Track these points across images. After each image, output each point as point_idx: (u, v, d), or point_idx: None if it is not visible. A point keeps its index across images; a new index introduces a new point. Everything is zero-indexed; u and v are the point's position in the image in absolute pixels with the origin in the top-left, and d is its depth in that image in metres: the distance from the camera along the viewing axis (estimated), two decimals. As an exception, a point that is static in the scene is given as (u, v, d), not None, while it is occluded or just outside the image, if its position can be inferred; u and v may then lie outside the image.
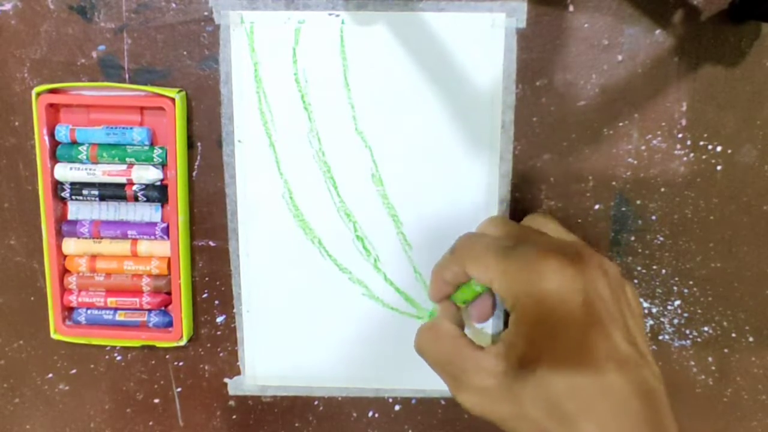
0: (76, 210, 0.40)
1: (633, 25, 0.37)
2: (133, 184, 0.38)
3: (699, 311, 0.41)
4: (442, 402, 0.42)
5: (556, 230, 0.33)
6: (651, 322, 0.41)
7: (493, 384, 0.29)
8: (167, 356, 0.42)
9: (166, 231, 0.39)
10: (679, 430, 0.28)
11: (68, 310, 0.40)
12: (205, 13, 0.37)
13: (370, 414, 0.42)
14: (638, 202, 0.39)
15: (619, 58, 0.37)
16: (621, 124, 0.38)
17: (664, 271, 0.40)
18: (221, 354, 0.42)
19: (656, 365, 0.29)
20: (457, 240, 0.33)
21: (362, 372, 0.41)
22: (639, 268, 0.40)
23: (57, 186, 0.39)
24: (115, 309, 0.40)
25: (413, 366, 0.41)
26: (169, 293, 0.40)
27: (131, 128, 0.38)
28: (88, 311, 0.40)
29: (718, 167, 0.39)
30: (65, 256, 0.40)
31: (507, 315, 0.40)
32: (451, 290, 0.34)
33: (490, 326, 0.40)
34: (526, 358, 0.28)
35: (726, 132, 0.38)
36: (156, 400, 0.43)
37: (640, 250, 0.40)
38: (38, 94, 0.37)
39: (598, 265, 0.29)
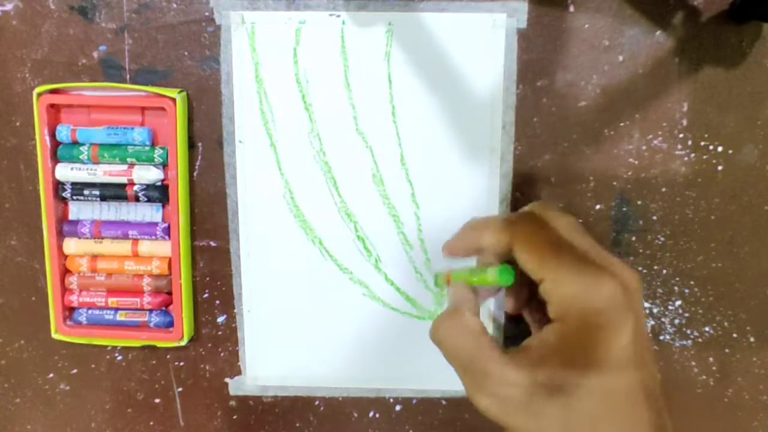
0: (77, 210, 0.40)
1: (634, 25, 0.37)
2: (134, 184, 0.38)
3: (700, 311, 0.41)
4: (443, 402, 0.42)
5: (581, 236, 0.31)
6: (652, 323, 0.41)
7: (515, 395, 0.27)
8: (168, 356, 0.42)
9: (167, 231, 0.39)
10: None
11: (69, 310, 0.41)
12: (206, 14, 0.37)
13: (371, 414, 0.42)
14: (639, 202, 0.39)
15: (620, 58, 0.37)
16: (622, 124, 0.38)
17: (665, 271, 0.40)
18: (222, 354, 0.42)
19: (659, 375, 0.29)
20: (518, 214, 0.30)
21: (363, 372, 0.41)
22: (640, 269, 0.40)
23: (58, 186, 0.39)
24: (116, 309, 0.40)
25: (414, 366, 0.41)
26: (169, 293, 0.40)
27: (132, 128, 0.38)
28: (89, 311, 0.40)
29: (719, 167, 0.39)
30: (66, 256, 0.40)
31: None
32: (473, 254, 0.31)
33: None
34: (562, 374, 0.27)
35: (727, 132, 0.38)
36: (157, 400, 0.43)
37: (641, 251, 0.40)
38: (39, 95, 0.37)
39: (640, 285, 0.28)
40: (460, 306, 0.31)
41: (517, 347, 0.29)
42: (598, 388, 0.26)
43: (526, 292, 0.32)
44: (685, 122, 0.38)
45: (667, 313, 0.41)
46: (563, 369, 0.27)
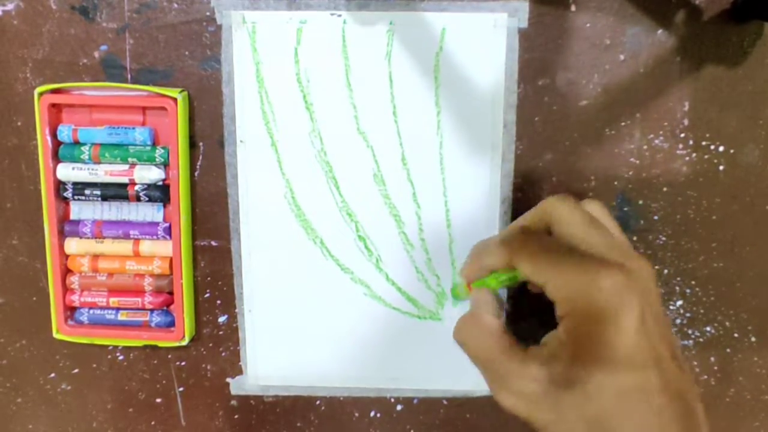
0: (78, 210, 0.40)
1: (635, 24, 0.37)
2: (135, 184, 0.38)
3: (701, 311, 0.41)
4: (444, 402, 0.42)
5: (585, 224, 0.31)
6: (653, 322, 0.41)
7: (535, 390, 0.28)
8: (169, 356, 0.42)
9: (168, 231, 0.39)
10: None
11: (71, 310, 0.41)
12: (207, 14, 0.37)
13: (372, 414, 0.42)
14: (640, 202, 0.39)
15: (621, 57, 0.37)
16: (623, 123, 0.38)
17: (666, 271, 0.40)
18: (223, 354, 0.42)
19: (691, 375, 0.29)
20: (509, 229, 0.32)
21: (364, 372, 0.41)
22: (641, 268, 0.40)
23: (59, 186, 0.39)
24: (117, 309, 0.40)
25: (415, 366, 0.41)
26: (171, 293, 0.40)
27: (133, 128, 0.38)
28: (91, 311, 0.40)
29: (721, 167, 0.39)
30: (67, 256, 0.40)
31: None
32: (486, 275, 0.33)
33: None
34: (573, 369, 0.27)
35: (728, 132, 0.38)
36: (158, 400, 0.43)
37: (642, 251, 0.40)
38: (40, 94, 0.37)
39: (651, 276, 0.29)
40: (480, 308, 0.32)
41: (537, 345, 0.30)
42: (608, 384, 0.27)
43: None
44: (686, 122, 0.38)
45: (668, 313, 0.41)
46: (573, 364, 0.27)
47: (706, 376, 0.41)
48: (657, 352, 0.27)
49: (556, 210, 0.31)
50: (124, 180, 0.38)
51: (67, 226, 0.39)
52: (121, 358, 0.42)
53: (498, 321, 0.32)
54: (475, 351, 0.31)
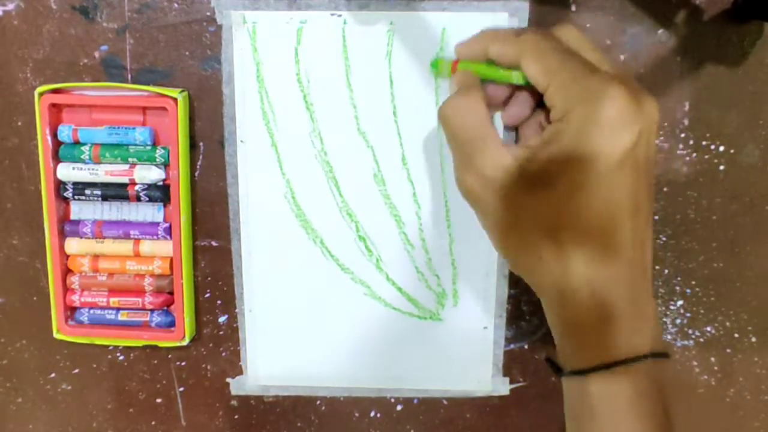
0: (78, 210, 0.40)
1: (635, 24, 0.37)
2: (136, 184, 0.38)
3: (701, 311, 0.41)
4: (444, 402, 0.42)
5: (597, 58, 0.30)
6: (653, 322, 0.41)
7: (500, 178, 0.28)
8: (169, 356, 0.42)
9: (169, 231, 0.39)
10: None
11: (71, 310, 0.41)
12: (208, 14, 0.37)
13: (372, 414, 0.42)
14: (640, 202, 0.39)
15: (622, 57, 0.37)
16: (623, 123, 0.38)
17: (666, 271, 0.40)
18: (223, 354, 0.42)
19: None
20: (527, 30, 0.31)
21: (364, 372, 0.41)
22: (641, 268, 0.40)
23: (59, 186, 0.39)
24: (118, 309, 0.40)
25: (415, 366, 0.41)
26: (171, 293, 0.40)
27: (134, 128, 0.38)
28: (91, 311, 0.40)
29: (721, 167, 0.39)
30: (68, 256, 0.40)
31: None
32: (481, 59, 0.31)
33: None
34: (546, 175, 0.27)
35: (729, 132, 0.38)
36: (158, 400, 0.43)
37: (642, 250, 0.40)
38: (41, 94, 0.37)
39: (655, 116, 0.28)
40: (471, 89, 0.31)
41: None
42: (580, 188, 0.26)
43: (530, 102, 0.32)
44: (686, 122, 0.38)
45: (668, 313, 0.41)
46: (553, 164, 0.27)
47: (706, 377, 0.41)
48: (637, 177, 0.27)
49: (568, 33, 0.30)
50: (125, 180, 0.38)
51: (67, 226, 0.39)
52: (121, 358, 0.42)
53: (486, 108, 0.30)
54: (453, 129, 0.30)
